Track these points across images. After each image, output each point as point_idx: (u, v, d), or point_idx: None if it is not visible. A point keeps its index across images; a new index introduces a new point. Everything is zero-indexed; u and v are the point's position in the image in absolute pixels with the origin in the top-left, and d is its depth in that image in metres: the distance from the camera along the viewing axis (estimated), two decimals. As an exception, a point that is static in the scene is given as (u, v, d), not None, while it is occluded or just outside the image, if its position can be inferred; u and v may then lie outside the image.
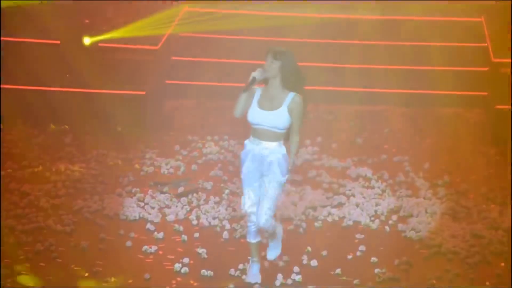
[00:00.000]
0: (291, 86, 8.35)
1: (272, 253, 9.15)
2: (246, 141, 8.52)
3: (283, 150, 8.44)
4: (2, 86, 14.24)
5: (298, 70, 8.36)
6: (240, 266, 9.39)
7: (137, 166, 12.71)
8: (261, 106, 8.35)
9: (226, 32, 15.73)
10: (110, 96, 14.23)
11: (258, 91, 8.37)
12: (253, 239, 8.80)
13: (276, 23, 15.67)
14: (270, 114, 8.29)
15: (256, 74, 8.25)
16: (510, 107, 13.80)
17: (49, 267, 9.41)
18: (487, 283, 9.26)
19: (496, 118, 14.31)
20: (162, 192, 11.58)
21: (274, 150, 8.39)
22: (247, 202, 8.56)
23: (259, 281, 8.91)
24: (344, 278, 9.37)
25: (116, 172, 12.35)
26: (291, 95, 8.36)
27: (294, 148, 8.47)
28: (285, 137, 8.50)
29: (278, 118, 8.30)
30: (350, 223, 10.86)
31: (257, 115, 8.33)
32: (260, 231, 8.80)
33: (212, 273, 9.28)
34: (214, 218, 10.75)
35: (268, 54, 8.33)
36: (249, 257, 9.01)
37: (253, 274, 8.92)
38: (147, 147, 13.43)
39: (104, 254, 9.79)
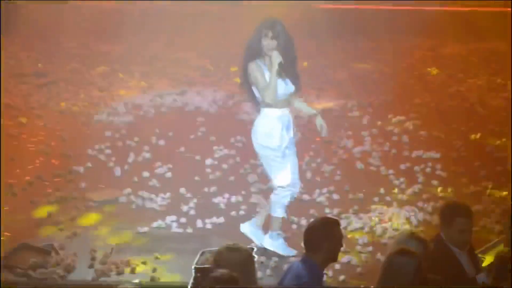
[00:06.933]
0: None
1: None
2: (268, 112, 6.87)
3: None
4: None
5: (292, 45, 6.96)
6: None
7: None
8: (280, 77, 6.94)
9: None
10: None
11: (261, 65, 6.87)
12: (285, 213, 7.09)
13: None
14: (287, 81, 6.93)
15: (280, 57, 6.80)
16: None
17: None
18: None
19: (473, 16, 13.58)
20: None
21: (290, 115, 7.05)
22: (289, 176, 6.89)
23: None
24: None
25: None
26: None
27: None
28: None
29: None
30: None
31: (282, 86, 6.87)
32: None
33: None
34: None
35: (266, 30, 6.82)
36: (277, 232, 7.12)
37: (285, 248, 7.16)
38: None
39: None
